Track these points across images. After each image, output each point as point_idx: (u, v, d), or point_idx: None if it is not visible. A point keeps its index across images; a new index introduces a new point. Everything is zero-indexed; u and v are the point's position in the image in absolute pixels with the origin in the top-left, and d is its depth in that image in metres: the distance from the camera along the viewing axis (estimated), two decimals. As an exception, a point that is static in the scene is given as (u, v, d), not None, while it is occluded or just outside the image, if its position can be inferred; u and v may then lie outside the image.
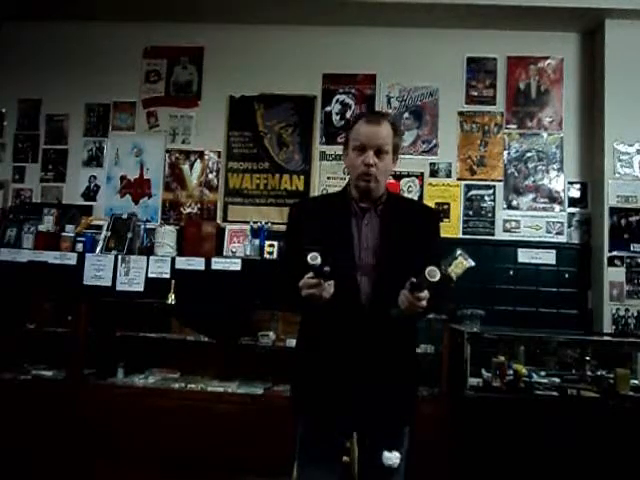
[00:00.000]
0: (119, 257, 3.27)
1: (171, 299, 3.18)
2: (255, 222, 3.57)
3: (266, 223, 3.55)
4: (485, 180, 3.74)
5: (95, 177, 3.94)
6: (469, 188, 3.74)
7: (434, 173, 3.76)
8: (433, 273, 1.45)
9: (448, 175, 3.76)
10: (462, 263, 3.07)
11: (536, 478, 2.78)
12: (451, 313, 3.08)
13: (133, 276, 3.24)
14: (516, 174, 3.74)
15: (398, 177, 3.73)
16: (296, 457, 1.80)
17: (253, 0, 3.62)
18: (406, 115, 3.82)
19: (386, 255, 1.68)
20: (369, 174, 1.68)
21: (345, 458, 1.83)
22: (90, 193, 3.93)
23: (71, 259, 3.28)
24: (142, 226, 3.51)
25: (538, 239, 3.66)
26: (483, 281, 3.52)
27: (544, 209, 3.70)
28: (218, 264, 3.24)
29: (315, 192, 3.78)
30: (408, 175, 3.76)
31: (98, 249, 3.37)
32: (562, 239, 3.66)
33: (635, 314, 3.44)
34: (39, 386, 3.18)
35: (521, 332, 3.22)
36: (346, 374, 1.64)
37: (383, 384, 1.66)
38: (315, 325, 1.74)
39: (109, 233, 3.41)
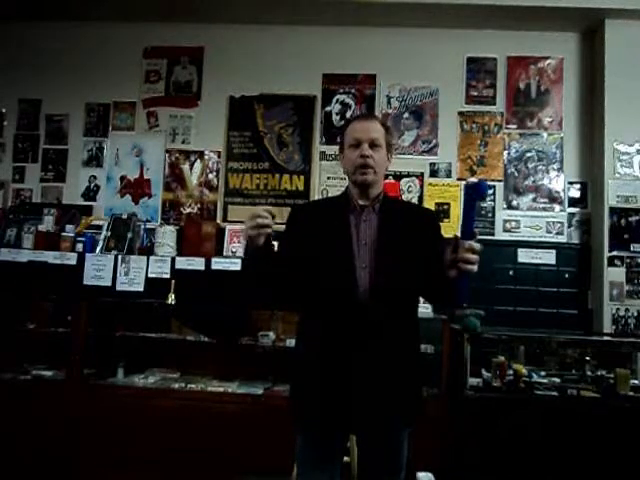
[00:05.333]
0: (119, 257, 3.26)
1: (171, 299, 3.18)
2: (255, 222, 3.56)
3: (266, 223, 3.54)
4: (485, 180, 3.73)
5: (95, 177, 3.94)
6: (469, 188, 3.73)
7: (434, 173, 3.76)
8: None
9: (448, 175, 3.76)
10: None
11: (536, 478, 2.79)
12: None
13: (133, 276, 3.23)
14: (516, 174, 3.74)
15: (398, 177, 3.73)
16: (296, 458, 1.80)
17: (253, 0, 3.62)
18: (406, 115, 3.82)
19: (384, 251, 1.69)
20: (366, 165, 1.71)
21: (345, 458, 1.83)
22: (90, 193, 3.93)
23: (71, 259, 3.28)
24: (142, 226, 3.51)
25: (538, 239, 3.66)
26: (483, 281, 3.51)
27: (544, 209, 3.70)
28: (218, 264, 3.24)
29: (315, 192, 3.78)
30: (408, 175, 3.76)
31: (98, 249, 3.37)
32: (562, 239, 3.66)
33: (635, 314, 3.44)
34: (39, 386, 3.18)
35: (521, 332, 3.22)
36: (345, 372, 1.64)
37: (383, 383, 1.65)
38: (313, 322, 1.74)
39: (109, 233, 3.41)
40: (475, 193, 1.51)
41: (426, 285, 1.72)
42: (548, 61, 3.79)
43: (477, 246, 1.50)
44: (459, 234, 1.50)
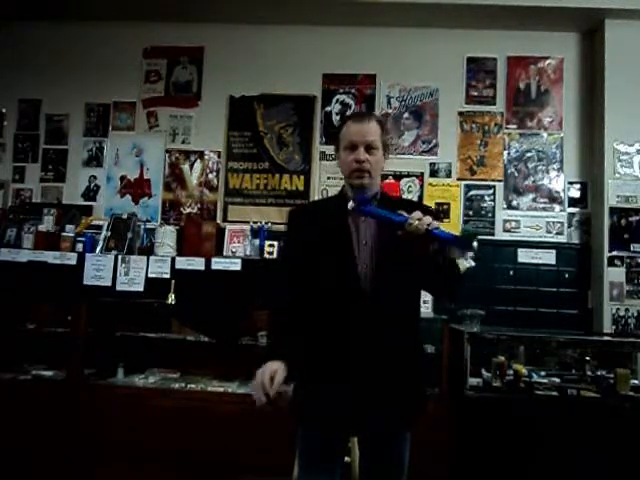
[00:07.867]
0: (119, 257, 3.27)
1: (171, 299, 3.19)
2: (255, 222, 3.57)
3: (266, 223, 3.55)
4: (485, 180, 3.74)
5: (95, 177, 3.94)
6: (469, 188, 3.74)
7: (434, 173, 3.76)
8: None
9: (448, 175, 3.75)
10: (462, 263, 3.07)
11: (536, 478, 2.79)
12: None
13: (133, 276, 3.24)
14: (516, 174, 3.74)
15: (398, 177, 3.73)
16: (296, 458, 1.80)
17: (253, 0, 3.63)
18: (406, 115, 3.82)
19: (385, 250, 1.68)
20: (362, 169, 1.71)
21: (346, 459, 1.83)
22: (90, 193, 3.93)
23: (71, 259, 3.28)
24: (142, 226, 3.51)
25: (538, 239, 3.66)
26: (483, 281, 3.52)
27: (544, 209, 3.70)
28: (218, 264, 3.24)
29: (315, 192, 3.78)
30: (408, 175, 3.76)
31: (98, 249, 3.37)
32: (562, 239, 3.66)
33: (635, 314, 3.44)
34: (39, 386, 3.18)
35: (521, 332, 3.22)
36: (347, 372, 1.63)
37: (384, 383, 1.65)
38: (314, 324, 1.72)
39: (109, 233, 3.41)
40: (362, 205, 1.61)
41: (427, 281, 1.72)
42: (548, 61, 3.79)
43: (413, 215, 1.51)
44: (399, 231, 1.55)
